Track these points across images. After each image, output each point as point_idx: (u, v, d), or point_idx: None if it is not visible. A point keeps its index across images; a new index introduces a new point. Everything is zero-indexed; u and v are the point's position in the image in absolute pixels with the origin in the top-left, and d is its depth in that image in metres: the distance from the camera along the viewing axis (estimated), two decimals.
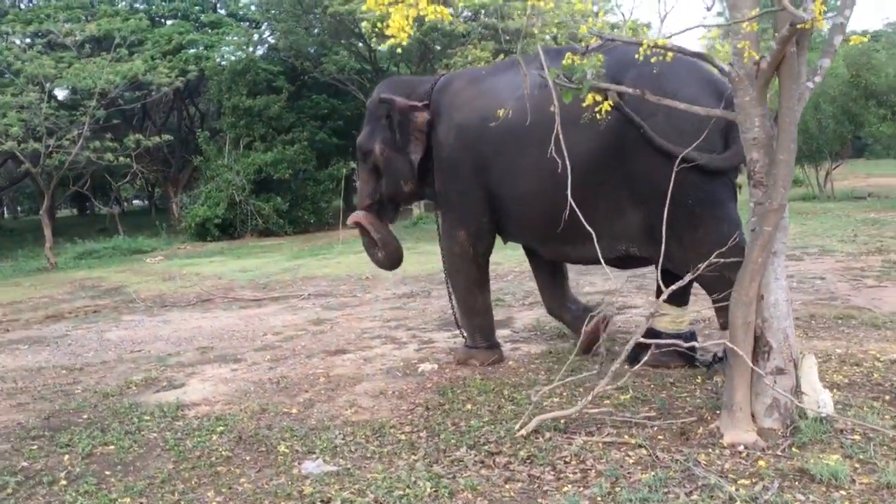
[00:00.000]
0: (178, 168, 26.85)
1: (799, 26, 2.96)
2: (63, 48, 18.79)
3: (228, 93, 22.83)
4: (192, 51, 23.86)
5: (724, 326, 4.29)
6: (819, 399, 3.53)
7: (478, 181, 5.37)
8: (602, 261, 4.35)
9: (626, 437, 3.77)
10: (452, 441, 4.00)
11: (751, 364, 3.44)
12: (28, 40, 18.30)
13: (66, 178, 18.01)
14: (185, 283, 12.36)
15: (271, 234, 21.74)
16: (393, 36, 3.76)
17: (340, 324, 7.89)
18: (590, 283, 9.29)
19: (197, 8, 25.69)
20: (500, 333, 6.70)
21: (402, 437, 4.17)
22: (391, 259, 6.23)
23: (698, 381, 4.74)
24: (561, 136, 3.92)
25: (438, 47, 21.37)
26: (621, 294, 8.21)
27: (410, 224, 20.96)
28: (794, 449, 3.41)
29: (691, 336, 5.20)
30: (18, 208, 44.32)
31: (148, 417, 4.91)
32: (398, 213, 6.41)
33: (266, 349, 6.84)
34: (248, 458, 4.07)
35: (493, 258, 5.88)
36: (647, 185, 4.61)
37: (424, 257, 13.88)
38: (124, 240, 19.46)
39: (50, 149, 15.55)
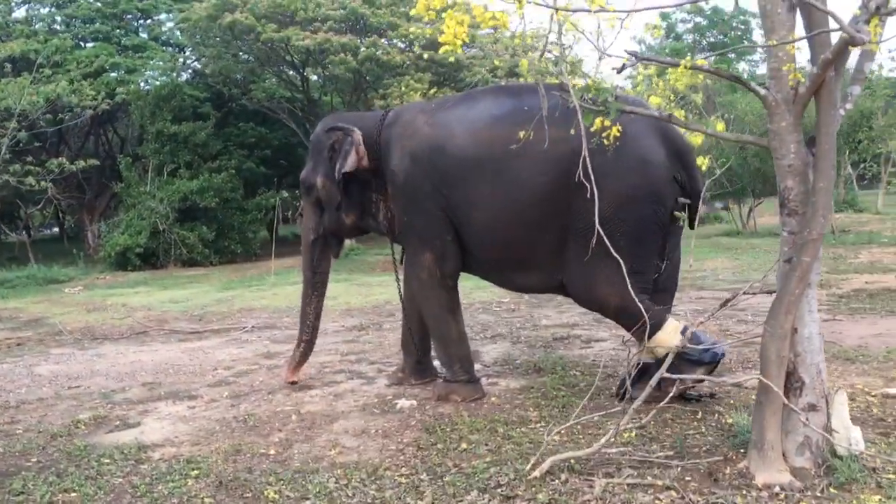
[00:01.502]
0: (94, 195, 25.71)
1: (855, 48, 2.88)
2: None
3: (152, 118, 22.04)
4: (113, 74, 23.01)
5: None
6: (851, 436, 3.43)
7: (436, 203, 5.34)
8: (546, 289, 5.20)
9: (650, 478, 3.58)
10: (459, 484, 3.73)
11: (784, 400, 3.30)
12: None
13: None
14: (114, 314, 11.68)
15: (196, 264, 20.94)
16: (446, 44, 3.54)
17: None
18: (545, 316, 9.18)
19: (119, 31, 24.84)
20: None
21: (402, 479, 3.88)
22: None
23: (699, 416, 4.59)
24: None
25: (369, 78, 21.20)
26: (583, 328, 8.10)
27: (343, 255, 20.55)
28: (832, 489, 3.28)
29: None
30: None
31: (108, 460, 4.47)
32: (342, 247, 6.37)
33: (221, 385, 6.42)
34: None
35: None
36: (587, 219, 4.55)
37: (365, 289, 13.62)
38: (39, 269, 18.38)
39: None
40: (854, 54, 3.23)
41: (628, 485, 3.51)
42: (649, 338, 4.72)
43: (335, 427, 4.94)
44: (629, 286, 4.17)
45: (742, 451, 3.73)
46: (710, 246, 18.03)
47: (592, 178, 3.63)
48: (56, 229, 39.91)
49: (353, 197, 5.76)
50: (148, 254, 20.54)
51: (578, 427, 4.45)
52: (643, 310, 4.22)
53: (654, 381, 3.77)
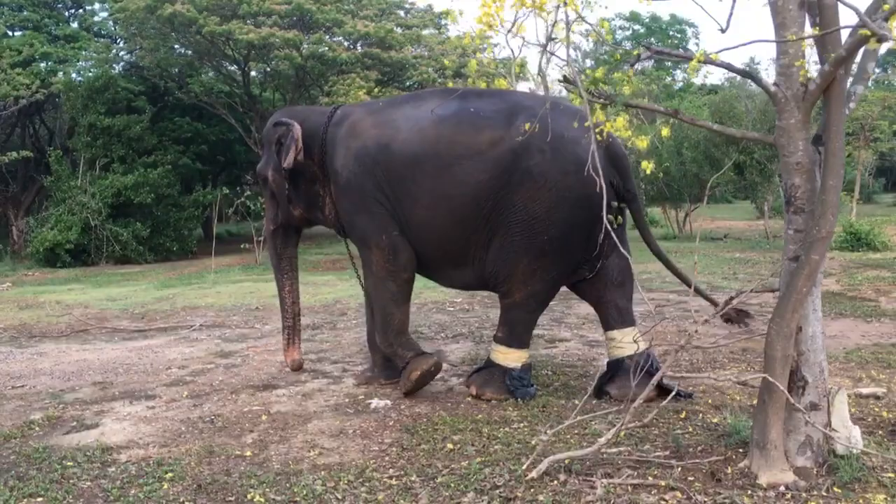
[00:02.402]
0: (20, 188, 24.65)
1: (873, 45, 2.88)
2: None
3: (84, 110, 21.22)
4: (43, 64, 22.10)
5: (498, 340, 5.31)
6: (851, 435, 3.44)
7: (377, 202, 5.42)
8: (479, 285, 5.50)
9: (651, 478, 3.53)
10: (453, 485, 3.63)
11: (790, 399, 3.29)
12: None
13: None
14: (49, 312, 11.16)
15: (129, 262, 20.22)
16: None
17: (252, 357, 7.26)
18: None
19: (49, 20, 23.88)
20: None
21: (392, 482, 3.75)
22: None
23: (682, 415, 4.58)
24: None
25: (313, 75, 20.87)
26: (543, 327, 8.06)
27: None
28: (836, 489, 3.28)
29: (648, 355, 5.11)
30: None
31: (70, 462, 4.22)
32: (300, 236, 6.45)
33: (179, 384, 6.15)
34: None
35: None
36: (519, 215, 4.97)
37: (311, 288, 13.32)
38: None
39: None
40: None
41: (630, 485, 3.45)
42: (509, 346, 5.24)
43: (310, 427, 4.77)
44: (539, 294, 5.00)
45: (741, 450, 3.72)
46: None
47: (598, 173, 3.74)
48: None
49: (300, 190, 5.83)
50: (79, 251, 19.74)
51: (563, 427, 4.38)
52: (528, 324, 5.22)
53: (655, 381, 3.73)
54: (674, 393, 4.35)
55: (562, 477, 3.58)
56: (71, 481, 3.93)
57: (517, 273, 5.09)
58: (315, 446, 4.39)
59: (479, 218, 5.08)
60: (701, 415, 4.58)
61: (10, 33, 22.89)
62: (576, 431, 4.25)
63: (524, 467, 3.67)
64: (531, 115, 4.87)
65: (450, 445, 4.22)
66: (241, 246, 19.75)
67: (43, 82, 19.50)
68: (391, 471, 3.91)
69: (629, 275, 5.41)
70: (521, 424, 4.56)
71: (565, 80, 3.55)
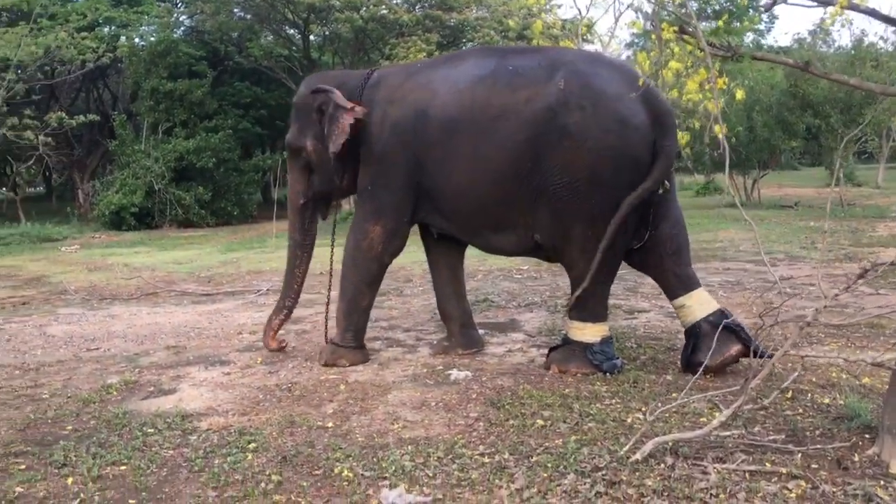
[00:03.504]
0: (86, 152, 25.05)
1: None
2: None
3: (147, 75, 21.40)
4: (106, 28, 22.27)
5: (571, 317, 5.03)
6: None
7: (410, 178, 5.22)
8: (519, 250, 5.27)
9: (769, 465, 3.27)
10: (551, 465, 3.42)
11: None
12: None
13: None
14: (118, 274, 11.25)
15: (191, 225, 20.45)
16: None
17: (321, 323, 7.14)
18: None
19: None
20: (515, 337, 6.22)
21: (485, 459, 3.57)
22: None
23: (789, 394, 4.28)
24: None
25: (372, 38, 20.61)
26: (618, 297, 7.78)
27: (341, 220, 20.12)
28: None
29: (722, 314, 4.97)
30: None
31: (151, 430, 4.13)
32: (329, 209, 6.08)
33: (252, 350, 6.06)
34: (305, 485, 3.38)
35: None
36: (560, 177, 4.72)
37: None
38: (32, 226, 17.84)
39: None
40: None
41: (747, 472, 3.20)
42: (584, 321, 4.97)
43: (390, 398, 4.61)
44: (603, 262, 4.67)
45: (866, 436, 3.43)
46: (717, 217, 17.72)
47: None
48: (41, 188, 39.10)
49: (349, 158, 5.48)
50: (143, 214, 20.03)
51: (659, 405, 4.14)
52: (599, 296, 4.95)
53: (776, 358, 3.44)
54: (760, 353, 4.13)
55: (668, 460, 3.35)
56: (153, 449, 3.84)
57: (573, 242, 4.84)
58: (398, 419, 4.22)
59: (517, 180, 4.84)
60: (809, 394, 4.29)
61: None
62: (674, 410, 3.99)
63: (626, 448, 3.44)
64: (571, 70, 4.77)
65: (540, 422, 4.02)
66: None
67: (107, 46, 19.62)
68: (481, 447, 3.72)
69: (685, 242, 5.17)
70: (614, 401, 4.32)
71: (681, 31, 3.25)
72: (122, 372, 5.47)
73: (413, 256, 11.64)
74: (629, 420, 3.98)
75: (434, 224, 5.51)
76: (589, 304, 4.95)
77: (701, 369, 4.11)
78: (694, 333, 4.90)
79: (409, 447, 3.75)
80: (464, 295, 5.95)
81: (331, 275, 6.07)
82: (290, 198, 5.99)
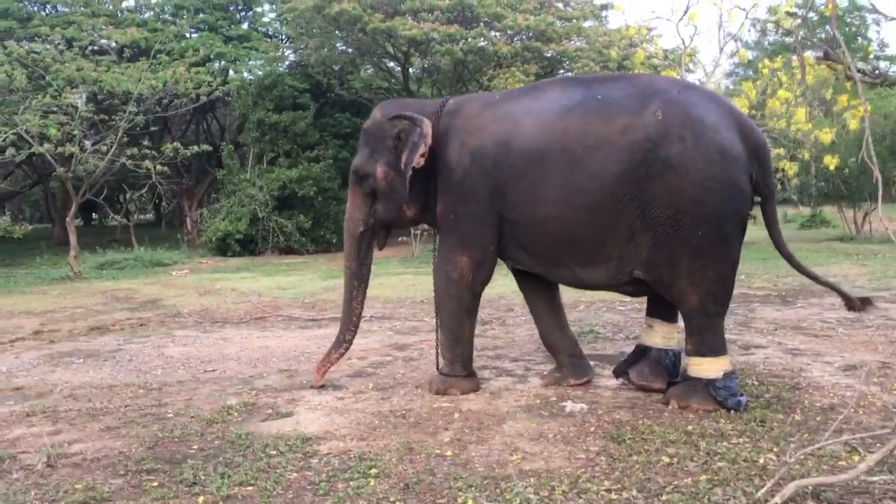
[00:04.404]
0: (194, 181, 26.10)
1: None
2: (98, 54, 18.00)
3: (254, 107, 22.22)
4: (217, 64, 23.26)
5: (689, 353, 4.87)
6: None
7: (492, 207, 5.13)
8: (612, 285, 5.15)
9: None
10: None
11: None
12: (60, 46, 17.42)
13: (79, 186, 16.85)
14: (227, 298, 11.62)
15: (292, 252, 20.99)
16: None
17: (428, 350, 7.16)
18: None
19: (224, 21, 25.09)
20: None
21: (611, 496, 3.48)
22: None
23: None
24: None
25: (471, 69, 20.86)
26: (730, 331, 7.53)
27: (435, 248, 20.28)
28: None
29: (675, 356, 5.27)
30: (20, 216, 43.28)
31: (274, 451, 4.21)
32: (387, 238, 6.01)
33: (362, 376, 6.14)
34: None
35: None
36: (663, 210, 4.63)
37: None
38: (145, 251, 18.65)
39: (87, 152, 14.76)
40: None
41: None
42: (702, 356, 4.80)
43: (506, 429, 4.56)
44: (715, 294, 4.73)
45: None
46: (826, 251, 17.03)
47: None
48: (150, 214, 40.89)
49: (416, 189, 5.40)
50: (247, 240, 20.68)
51: (792, 447, 3.95)
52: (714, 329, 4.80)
53: None
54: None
55: None
56: (277, 471, 3.90)
57: (681, 276, 4.70)
58: (516, 450, 4.17)
59: (613, 213, 4.73)
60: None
61: (187, 35, 24.21)
62: (809, 453, 3.81)
63: (763, 491, 3.29)
64: (666, 100, 4.69)
65: (666, 459, 3.89)
66: (399, 239, 20.04)
67: (220, 80, 20.49)
68: (607, 482, 3.63)
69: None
70: (741, 440, 4.16)
71: (825, 56, 3.14)
72: (240, 394, 5.60)
73: (512, 286, 11.64)
74: (761, 461, 3.82)
75: (514, 258, 5.40)
76: (706, 338, 4.81)
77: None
78: (641, 352, 5.40)
79: (532, 479, 3.70)
80: (566, 325, 5.87)
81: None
82: (347, 225, 5.84)
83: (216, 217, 21.28)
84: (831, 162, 14.32)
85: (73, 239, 15.37)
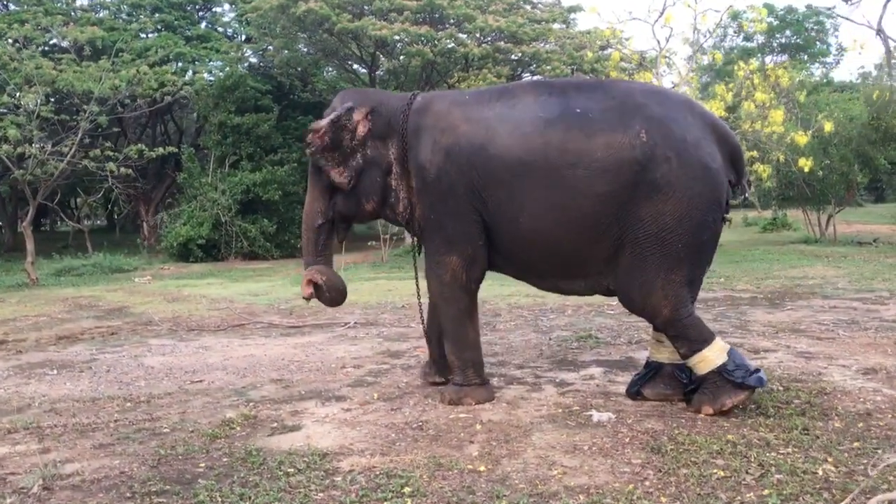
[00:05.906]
0: (152, 185, 25.34)
1: None
2: (57, 52, 17.30)
3: (215, 109, 21.66)
4: (177, 64, 22.61)
5: (685, 357, 4.76)
6: None
7: (472, 205, 4.95)
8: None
9: None
10: None
11: None
12: (17, 44, 16.68)
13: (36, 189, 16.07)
14: (198, 305, 11.15)
15: (257, 258, 20.50)
16: None
17: (423, 358, 6.85)
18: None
19: (182, 21, 24.44)
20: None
21: None
22: (337, 298, 5.69)
23: None
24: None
25: (439, 71, 20.59)
26: (730, 336, 7.37)
27: (403, 252, 19.91)
28: None
29: (691, 370, 4.93)
30: None
31: (292, 469, 3.87)
32: (347, 232, 5.78)
33: (363, 385, 5.81)
34: None
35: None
36: (647, 230, 4.60)
37: None
38: (104, 257, 17.97)
39: (46, 154, 14.09)
40: None
41: None
42: (696, 354, 4.69)
43: (535, 441, 4.28)
44: (684, 298, 4.67)
45: None
46: (795, 253, 17.14)
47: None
48: (101, 220, 39.76)
49: (376, 183, 5.26)
50: (209, 245, 20.15)
51: (846, 456, 3.75)
52: (694, 325, 4.70)
53: None
54: None
55: None
56: (300, 491, 3.57)
57: (654, 291, 4.69)
58: (554, 463, 3.89)
59: (597, 231, 4.69)
60: None
61: (144, 35, 23.54)
62: (864, 461, 3.60)
63: None
64: (647, 117, 4.61)
65: (718, 472, 3.65)
66: (368, 244, 19.69)
67: (192, 80, 19.95)
68: (663, 499, 3.37)
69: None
70: (790, 449, 3.94)
71: None
72: (237, 406, 5.23)
73: (495, 290, 11.38)
74: (820, 472, 3.60)
75: (492, 263, 5.22)
76: (691, 335, 4.72)
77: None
78: (654, 367, 5.16)
79: (581, 497, 3.42)
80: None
81: (419, 300, 5.81)
82: (306, 218, 5.55)
83: (177, 222, 20.67)
84: (806, 164, 14.39)
85: (30, 245, 14.67)
